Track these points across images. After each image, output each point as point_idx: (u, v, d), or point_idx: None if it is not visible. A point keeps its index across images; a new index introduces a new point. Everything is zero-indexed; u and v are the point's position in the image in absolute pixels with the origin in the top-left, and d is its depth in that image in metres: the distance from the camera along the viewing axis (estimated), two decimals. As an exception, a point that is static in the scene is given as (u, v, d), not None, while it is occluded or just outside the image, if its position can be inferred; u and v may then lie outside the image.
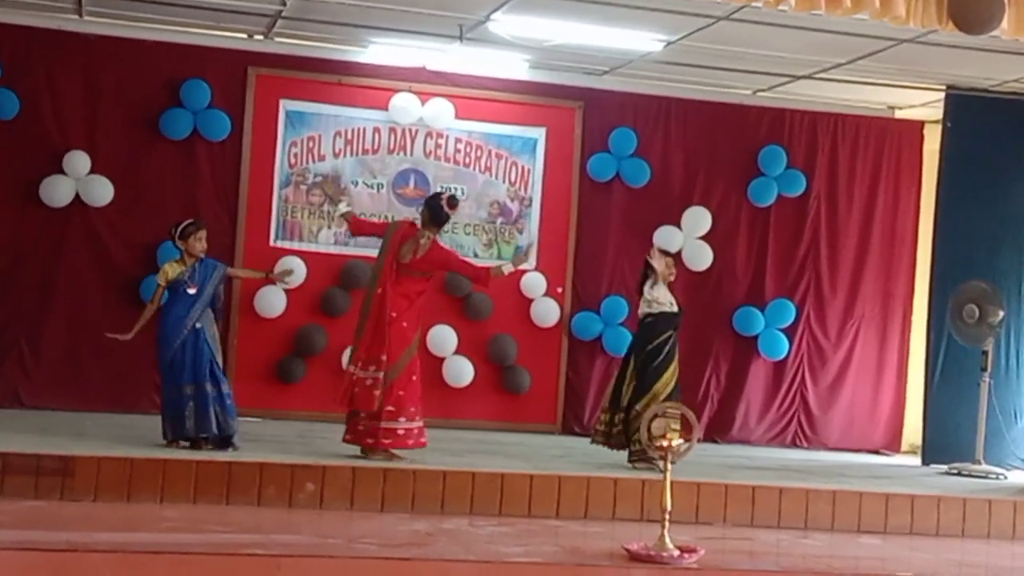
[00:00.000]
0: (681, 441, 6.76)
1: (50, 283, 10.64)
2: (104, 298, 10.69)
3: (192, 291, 8.59)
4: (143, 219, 10.68)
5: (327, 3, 9.82)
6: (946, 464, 10.75)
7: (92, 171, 10.65)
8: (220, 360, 8.77)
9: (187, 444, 8.47)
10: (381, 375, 8.46)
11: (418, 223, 8.80)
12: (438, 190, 10.40)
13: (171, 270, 8.63)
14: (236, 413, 8.67)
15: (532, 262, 8.96)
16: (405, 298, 8.63)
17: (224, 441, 8.53)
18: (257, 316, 11.04)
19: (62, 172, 10.58)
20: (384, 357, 8.47)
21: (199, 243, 8.67)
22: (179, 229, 8.69)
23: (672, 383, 9.18)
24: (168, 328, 8.57)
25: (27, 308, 10.58)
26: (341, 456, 8.47)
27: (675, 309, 9.31)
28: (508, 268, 9.04)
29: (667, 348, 9.23)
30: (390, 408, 8.47)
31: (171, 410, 8.55)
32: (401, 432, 8.49)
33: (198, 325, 8.56)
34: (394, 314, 8.55)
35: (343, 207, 9.17)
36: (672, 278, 9.42)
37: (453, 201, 8.80)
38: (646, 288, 9.33)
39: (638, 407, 8.94)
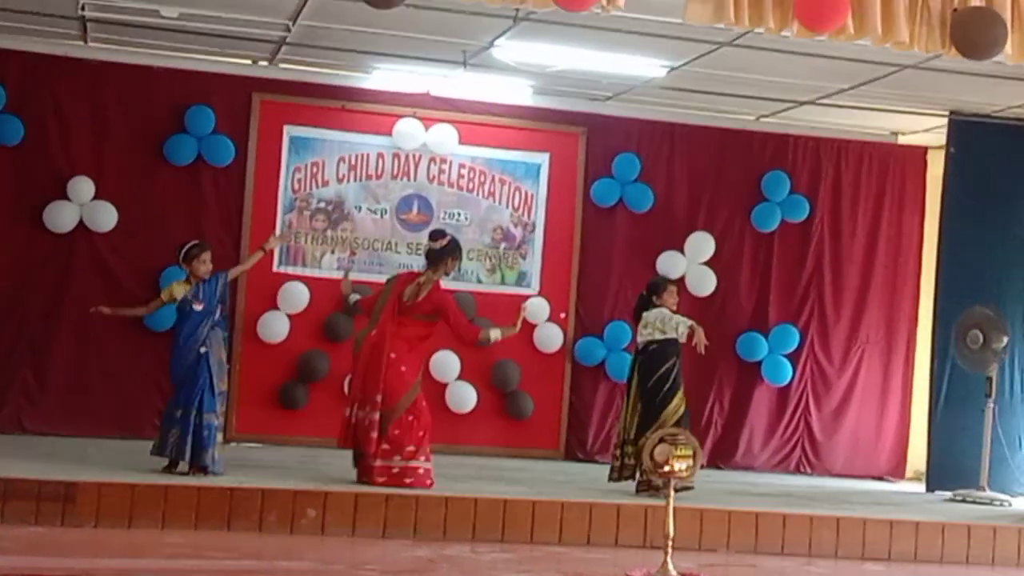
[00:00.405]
0: (683, 466, 6.75)
1: (54, 309, 10.64)
2: (108, 324, 10.63)
3: (199, 307, 8.64)
4: (147, 244, 10.68)
5: (331, 29, 9.85)
6: (951, 490, 10.71)
7: (96, 197, 10.66)
8: (223, 386, 8.77)
9: (184, 468, 8.48)
10: (377, 415, 8.46)
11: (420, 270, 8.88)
12: (439, 225, 10.52)
13: (177, 289, 8.71)
14: (215, 444, 8.57)
15: (519, 324, 9.03)
16: (406, 341, 8.64)
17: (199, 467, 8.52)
18: (260, 341, 11.03)
19: (66, 198, 10.60)
20: (379, 398, 8.48)
21: (203, 265, 8.71)
22: (183, 251, 8.75)
23: (681, 409, 9.16)
24: (179, 347, 8.63)
25: (31, 334, 10.59)
26: (343, 482, 8.45)
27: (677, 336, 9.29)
28: (496, 335, 9.03)
29: (673, 375, 9.20)
30: (385, 447, 8.46)
31: (162, 425, 8.66)
32: (396, 471, 8.45)
33: (203, 350, 8.58)
34: (393, 355, 8.55)
35: (352, 298, 9.18)
36: (675, 306, 9.43)
37: (434, 234, 8.91)
38: (661, 316, 9.26)
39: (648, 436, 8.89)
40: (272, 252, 10.05)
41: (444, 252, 8.84)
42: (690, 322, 9.18)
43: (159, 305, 8.85)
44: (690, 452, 6.79)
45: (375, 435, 8.42)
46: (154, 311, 9.14)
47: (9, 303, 10.55)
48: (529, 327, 11.55)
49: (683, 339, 9.18)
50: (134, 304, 9.39)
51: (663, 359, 9.18)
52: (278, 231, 10.69)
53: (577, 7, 7.24)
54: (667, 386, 9.14)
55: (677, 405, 9.15)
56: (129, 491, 7.65)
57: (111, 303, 10.31)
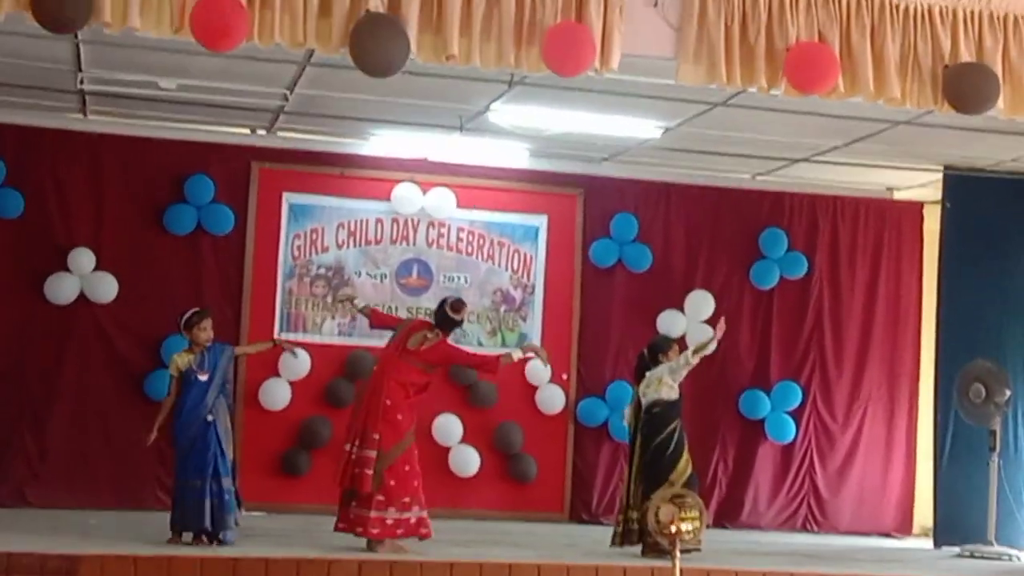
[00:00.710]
0: (689, 527, 6.71)
1: (56, 380, 10.63)
2: (110, 395, 10.69)
3: (204, 377, 8.62)
4: (148, 315, 10.69)
5: (328, 97, 9.93)
6: (958, 546, 10.64)
7: (97, 268, 10.69)
8: (232, 453, 8.74)
9: (188, 538, 8.42)
10: (374, 454, 8.43)
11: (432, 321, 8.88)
12: (446, 294, 10.50)
13: (181, 360, 8.68)
14: (235, 509, 8.59)
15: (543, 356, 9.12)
16: (402, 388, 8.60)
17: (213, 536, 8.46)
18: (262, 409, 11.01)
19: (67, 269, 10.63)
20: (376, 436, 8.45)
21: (203, 332, 8.71)
22: (184, 319, 8.75)
23: (688, 470, 9.12)
24: (184, 417, 8.58)
25: (33, 406, 10.57)
26: (347, 550, 8.39)
27: (678, 396, 9.28)
28: (517, 354, 9.06)
29: (676, 436, 9.17)
30: (380, 497, 8.43)
31: (177, 503, 8.55)
32: (390, 522, 8.42)
33: (210, 418, 8.56)
34: (388, 402, 8.53)
35: (359, 303, 9.20)
36: None
37: (458, 305, 8.83)
38: (669, 366, 9.24)
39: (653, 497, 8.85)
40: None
41: (459, 324, 8.88)
42: (701, 339, 9.18)
43: (177, 384, 8.67)
44: (696, 514, 6.76)
45: (370, 472, 8.38)
46: (176, 391, 8.71)
47: (11, 375, 10.53)
48: (531, 389, 11.55)
49: (712, 348, 9.14)
50: (147, 406, 9.15)
51: (666, 421, 9.15)
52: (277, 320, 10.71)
53: (570, 72, 7.32)
54: (671, 449, 9.10)
55: (684, 467, 9.11)
56: (132, 564, 7.58)
57: (110, 374, 10.35)
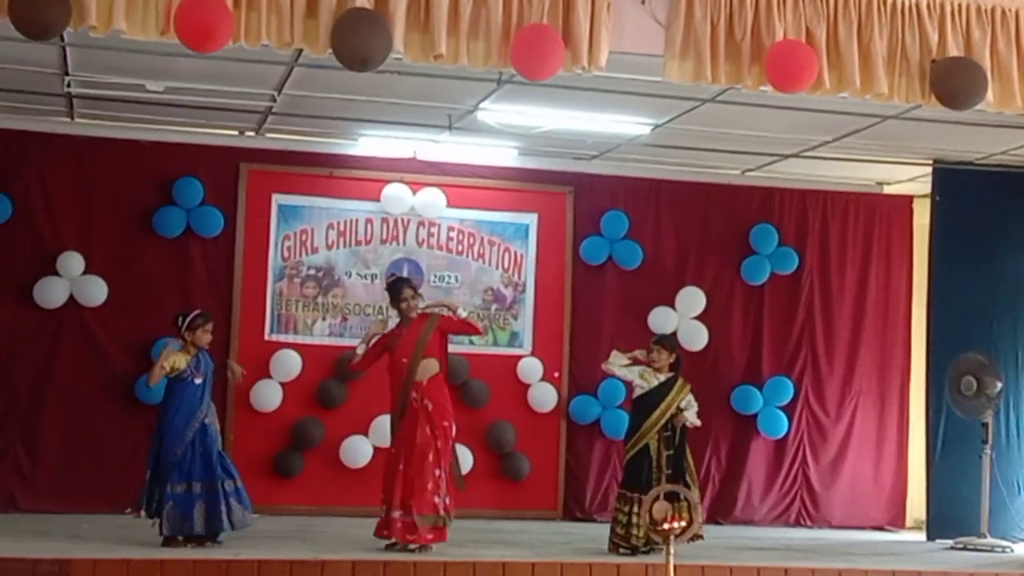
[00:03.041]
0: (684, 524, 6.71)
1: (45, 385, 10.60)
2: (100, 398, 10.66)
3: (199, 380, 8.57)
4: (138, 318, 10.66)
5: (316, 98, 9.91)
6: (951, 538, 10.66)
7: (86, 271, 10.67)
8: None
9: (192, 543, 8.37)
10: (411, 518, 8.49)
11: (414, 311, 8.87)
12: (437, 294, 10.60)
13: (179, 360, 8.55)
14: (250, 505, 8.57)
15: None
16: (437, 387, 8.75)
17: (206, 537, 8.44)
18: (253, 410, 10.99)
19: (56, 273, 10.60)
20: (412, 503, 8.49)
21: (207, 335, 8.68)
22: (187, 320, 8.63)
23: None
24: (179, 422, 8.48)
25: (22, 410, 10.54)
26: (340, 551, 8.39)
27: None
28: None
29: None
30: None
31: (179, 508, 8.41)
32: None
33: (207, 420, 8.53)
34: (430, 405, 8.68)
35: (360, 349, 9.08)
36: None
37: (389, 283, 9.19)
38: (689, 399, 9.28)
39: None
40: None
41: (395, 299, 8.96)
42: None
43: (160, 376, 8.55)
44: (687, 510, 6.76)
45: (412, 537, 8.48)
46: (157, 382, 8.67)
47: (0, 379, 10.51)
48: (523, 387, 11.55)
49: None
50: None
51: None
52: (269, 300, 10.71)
53: (541, 76, 7.31)
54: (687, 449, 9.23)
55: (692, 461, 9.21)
56: (124, 567, 7.59)
57: (100, 377, 10.29)
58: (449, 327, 8.96)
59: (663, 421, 9.11)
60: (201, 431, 8.50)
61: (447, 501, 8.57)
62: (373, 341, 8.93)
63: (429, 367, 8.73)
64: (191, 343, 8.63)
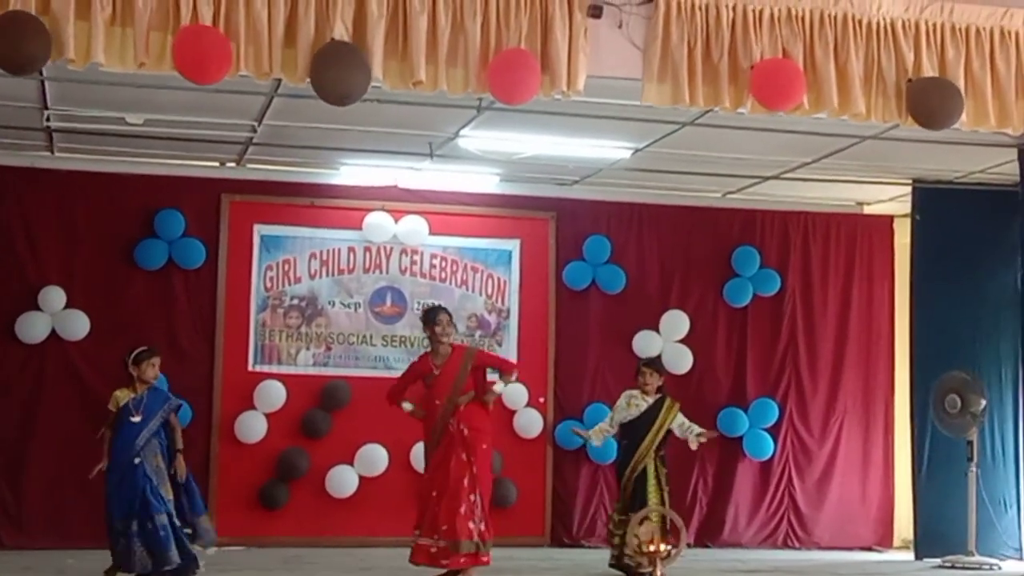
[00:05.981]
0: (670, 547, 6.71)
1: (29, 420, 10.55)
2: (84, 434, 10.45)
3: (136, 419, 8.46)
4: (121, 351, 10.44)
5: (296, 128, 9.91)
6: (940, 557, 10.66)
7: (68, 306, 10.63)
8: (164, 489, 8.48)
9: None
10: (444, 543, 8.47)
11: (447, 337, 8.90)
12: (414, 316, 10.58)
13: (121, 396, 8.53)
14: (172, 544, 8.34)
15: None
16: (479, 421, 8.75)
17: (179, 572, 8.34)
18: (237, 442, 10.94)
19: (38, 308, 10.56)
20: (444, 528, 8.49)
21: (152, 369, 8.59)
22: (132, 355, 8.60)
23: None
24: (114, 456, 8.44)
25: (6, 447, 10.48)
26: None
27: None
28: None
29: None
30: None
31: (112, 543, 8.40)
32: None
33: (137, 460, 8.38)
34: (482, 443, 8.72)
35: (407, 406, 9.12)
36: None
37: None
38: (680, 421, 9.41)
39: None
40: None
41: (428, 328, 8.99)
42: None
43: (113, 419, 8.53)
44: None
45: (446, 562, 8.48)
46: (112, 426, 8.61)
47: (-17, 416, 10.46)
48: (509, 413, 11.52)
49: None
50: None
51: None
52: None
53: (517, 100, 7.33)
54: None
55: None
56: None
57: (84, 412, 10.23)
58: (486, 361, 9.02)
59: (657, 442, 9.19)
60: (131, 469, 8.37)
61: (483, 527, 8.53)
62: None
63: (467, 395, 8.80)
64: (138, 379, 8.55)
